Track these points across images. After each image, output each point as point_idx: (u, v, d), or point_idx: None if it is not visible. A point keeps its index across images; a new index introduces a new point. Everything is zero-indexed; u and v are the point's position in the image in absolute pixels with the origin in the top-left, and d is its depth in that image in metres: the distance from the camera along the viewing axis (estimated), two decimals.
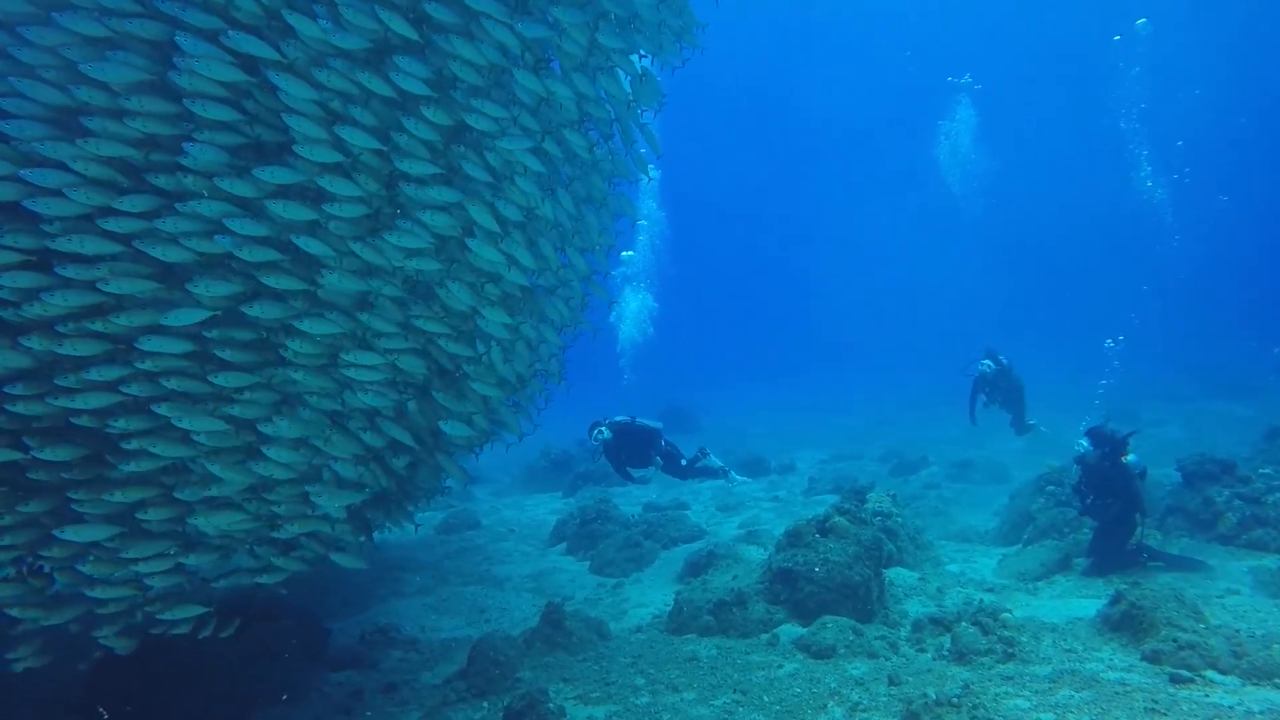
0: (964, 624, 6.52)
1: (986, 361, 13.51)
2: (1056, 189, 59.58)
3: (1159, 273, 31.40)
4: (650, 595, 9.19)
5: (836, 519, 7.88)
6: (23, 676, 5.18)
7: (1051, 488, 10.13)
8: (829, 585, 7.34)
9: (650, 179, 7.33)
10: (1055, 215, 61.16)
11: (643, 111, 6.74)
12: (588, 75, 5.98)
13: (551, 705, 5.71)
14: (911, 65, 51.11)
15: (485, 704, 6.26)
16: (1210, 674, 5.62)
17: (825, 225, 71.79)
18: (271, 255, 4.97)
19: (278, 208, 4.88)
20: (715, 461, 11.38)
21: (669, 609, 8.03)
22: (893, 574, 8.42)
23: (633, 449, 10.64)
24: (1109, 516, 8.46)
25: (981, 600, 7.30)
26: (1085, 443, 8.68)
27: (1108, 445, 8.57)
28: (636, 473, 10.75)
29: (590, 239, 7.10)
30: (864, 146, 66.02)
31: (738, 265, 77.67)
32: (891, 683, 5.90)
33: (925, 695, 5.39)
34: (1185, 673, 5.60)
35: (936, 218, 58.76)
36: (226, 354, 5.00)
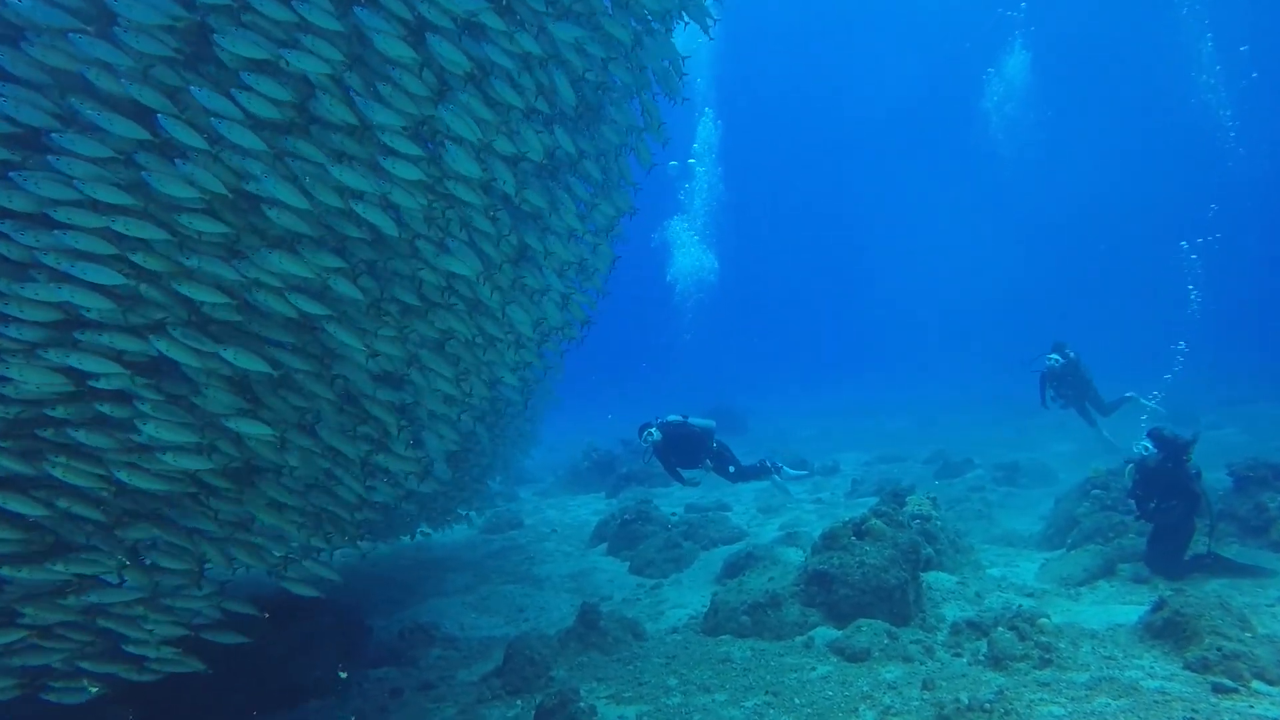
0: (1001, 629, 6.43)
1: (1053, 356, 13.38)
2: (1114, 147, 55.91)
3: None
4: (688, 596, 9.23)
5: (873, 521, 7.83)
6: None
7: (1097, 491, 9.91)
8: (864, 588, 7.30)
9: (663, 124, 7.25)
10: (1112, 184, 56.66)
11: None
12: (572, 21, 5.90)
13: (583, 704, 5.80)
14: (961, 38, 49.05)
15: (519, 702, 6.37)
16: (1256, 684, 5.48)
17: (878, 225, 70.86)
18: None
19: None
20: (789, 470, 11.42)
21: (705, 610, 8.07)
22: (931, 577, 8.33)
23: (683, 449, 10.58)
24: (1172, 520, 8.24)
25: (1020, 605, 7.19)
26: (1148, 444, 8.46)
27: (1170, 448, 8.37)
28: (687, 474, 10.69)
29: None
30: (911, 138, 64.80)
31: (791, 269, 77.14)
32: (925, 687, 5.87)
33: (958, 700, 5.37)
34: (1229, 682, 5.47)
35: (988, 208, 57.31)
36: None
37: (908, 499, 9.50)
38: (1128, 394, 13.77)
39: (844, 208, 72.63)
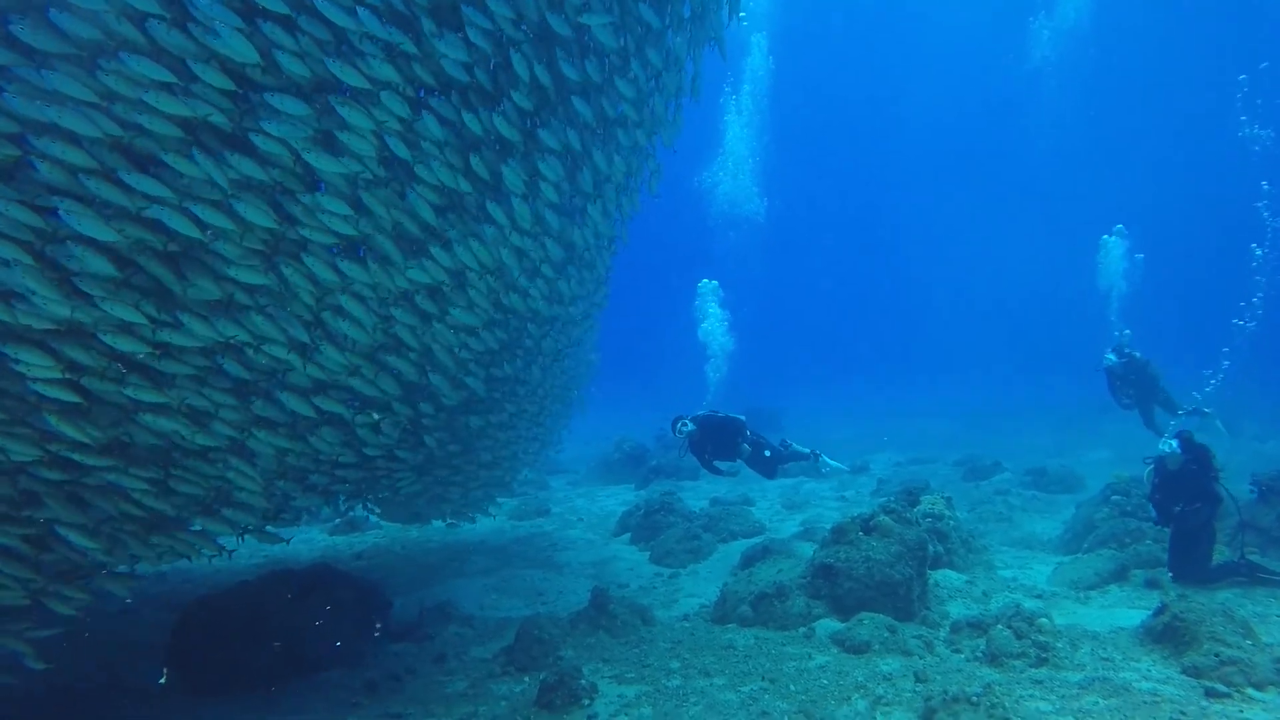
0: (999, 627, 6.51)
1: (1110, 355, 13.40)
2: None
3: None
4: (703, 586, 9.41)
5: (881, 518, 7.93)
6: (117, 619, 5.51)
7: (1117, 497, 9.85)
8: (868, 582, 7.41)
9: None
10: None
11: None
12: None
13: (584, 682, 6.03)
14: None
15: (527, 678, 6.61)
16: (1250, 691, 5.51)
17: (927, 219, 69.56)
18: None
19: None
20: (802, 449, 10.99)
21: (716, 599, 8.24)
22: (940, 575, 8.40)
23: (719, 441, 10.47)
24: (1195, 524, 8.13)
25: (1020, 605, 7.24)
26: (1173, 443, 8.37)
27: (1195, 451, 8.28)
28: (724, 465, 10.66)
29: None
30: (963, 135, 63.59)
31: (832, 261, 76.21)
32: (918, 680, 5.98)
33: (945, 691, 5.47)
34: (1222, 687, 5.51)
35: (1037, 205, 55.50)
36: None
37: (921, 497, 9.55)
38: (1207, 409, 13.20)
39: (891, 198, 71.25)
